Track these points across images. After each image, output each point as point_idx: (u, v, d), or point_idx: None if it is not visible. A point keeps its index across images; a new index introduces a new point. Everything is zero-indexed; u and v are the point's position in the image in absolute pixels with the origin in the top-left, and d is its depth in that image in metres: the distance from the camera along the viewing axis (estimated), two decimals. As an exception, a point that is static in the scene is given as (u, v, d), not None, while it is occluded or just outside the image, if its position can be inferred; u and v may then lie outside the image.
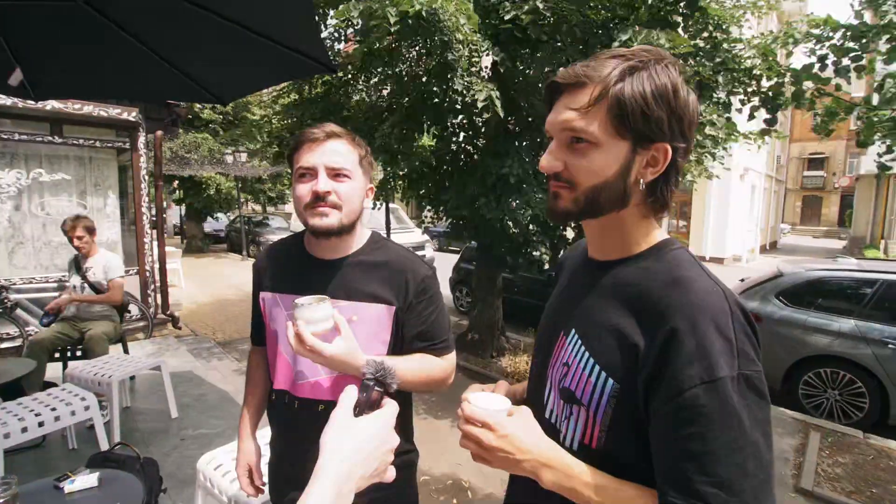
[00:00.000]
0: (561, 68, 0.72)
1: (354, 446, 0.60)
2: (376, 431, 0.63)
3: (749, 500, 0.57)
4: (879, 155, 4.07)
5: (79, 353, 3.55)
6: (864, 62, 3.76)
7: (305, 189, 1.06)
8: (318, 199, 1.05)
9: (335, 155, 1.07)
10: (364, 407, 0.65)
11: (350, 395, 0.65)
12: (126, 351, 3.82)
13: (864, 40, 3.53)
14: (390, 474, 0.66)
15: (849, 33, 3.59)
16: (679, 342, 0.61)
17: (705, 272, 0.68)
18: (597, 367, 0.69)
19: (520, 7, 3.28)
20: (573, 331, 0.76)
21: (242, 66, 2.10)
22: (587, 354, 0.71)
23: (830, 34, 3.73)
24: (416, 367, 1.09)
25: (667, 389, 0.61)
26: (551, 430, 0.74)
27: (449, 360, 1.16)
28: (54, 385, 3.16)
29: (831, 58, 3.75)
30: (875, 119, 3.70)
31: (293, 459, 1.15)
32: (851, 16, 3.82)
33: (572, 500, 0.69)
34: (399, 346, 1.14)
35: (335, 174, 1.07)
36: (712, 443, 0.58)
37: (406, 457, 1.21)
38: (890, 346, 3.84)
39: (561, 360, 0.77)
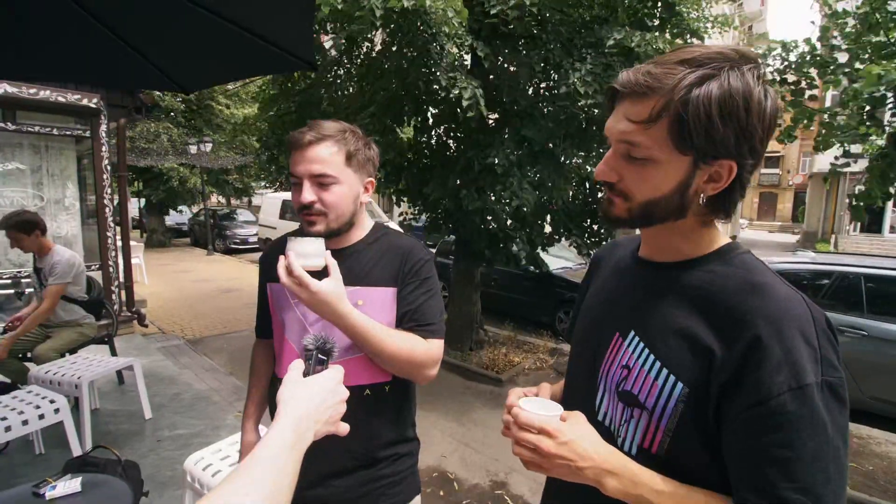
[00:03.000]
0: (622, 72, 0.67)
1: (308, 394, 0.69)
2: (325, 384, 0.72)
3: (829, 502, 0.57)
4: (836, 158, 4.31)
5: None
6: (816, 85, 3.98)
7: (295, 198, 1.09)
8: (305, 208, 1.07)
9: (318, 162, 1.06)
10: (311, 374, 0.74)
11: (298, 365, 0.75)
12: (114, 352, 3.72)
13: (824, 68, 3.74)
14: (343, 427, 0.74)
15: (808, 58, 3.79)
16: (765, 349, 0.59)
17: (779, 278, 0.67)
18: (664, 371, 0.67)
19: (505, 2, 3.28)
20: (632, 332, 0.73)
21: (213, 56, 1.95)
22: (652, 357, 0.69)
23: (790, 57, 3.93)
24: (398, 338, 1.06)
25: (750, 395, 0.60)
26: (606, 434, 0.72)
27: (434, 346, 1.12)
28: (15, 387, 2.98)
29: (791, 78, 3.95)
30: (834, 123, 3.90)
31: None
32: (815, 30, 4.04)
33: None
34: None
35: (320, 181, 1.06)
36: (799, 449, 0.57)
37: (411, 444, 1.23)
38: (845, 334, 4.08)
39: (619, 362, 0.74)
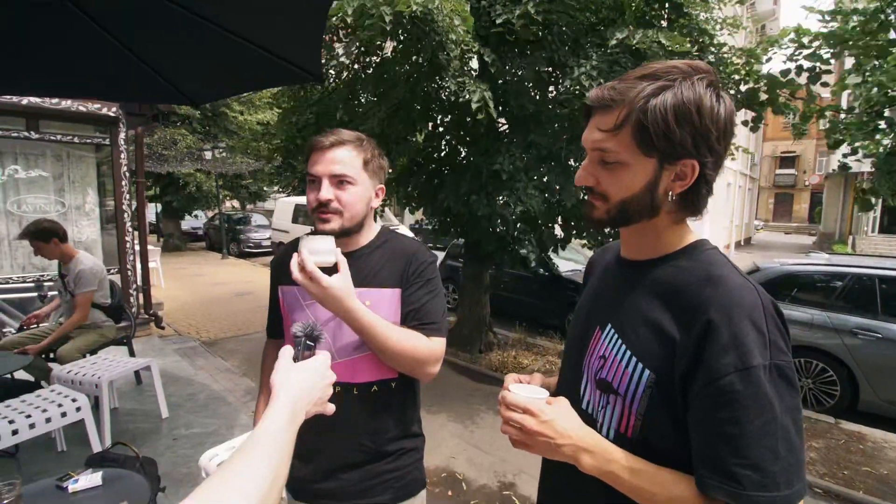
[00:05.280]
0: (592, 90, 0.75)
1: (298, 378, 0.73)
2: (314, 368, 0.77)
3: (780, 481, 0.61)
4: (844, 155, 4.28)
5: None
6: (831, 68, 3.96)
7: (312, 196, 1.14)
8: (322, 205, 1.12)
9: (338, 163, 1.12)
10: (300, 359, 0.79)
11: (288, 351, 0.79)
12: (132, 353, 3.85)
13: (837, 48, 3.71)
14: (330, 408, 0.79)
15: (825, 40, 3.76)
16: (715, 333, 0.64)
17: (737, 270, 0.72)
18: (633, 359, 0.73)
19: (511, 11, 3.33)
20: (609, 325, 0.79)
21: (223, 70, 2.02)
22: (623, 347, 0.75)
23: (805, 42, 3.91)
24: (402, 335, 1.10)
25: (703, 377, 0.64)
26: (588, 420, 0.77)
27: (436, 343, 1.15)
28: (39, 386, 3.09)
29: (806, 64, 3.92)
30: (844, 121, 3.88)
31: (308, 442, 1.16)
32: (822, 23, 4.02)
33: (612, 498, 0.72)
34: None
35: (338, 181, 1.12)
36: (746, 426, 0.61)
37: (416, 440, 1.28)
38: (859, 336, 4.04)
39: (597, 353, 0.80)
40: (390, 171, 4.90)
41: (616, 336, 0.77)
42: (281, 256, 1.31)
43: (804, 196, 34.13)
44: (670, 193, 0.72)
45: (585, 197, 0.80)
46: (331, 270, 1.01)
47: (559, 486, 0.90)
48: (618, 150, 0.71)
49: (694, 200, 0.74)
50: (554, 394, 0.83)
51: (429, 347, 1.13)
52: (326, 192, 1.11)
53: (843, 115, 4.03)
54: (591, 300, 0.91)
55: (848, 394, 4.14)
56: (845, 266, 4.55)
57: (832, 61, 4.00)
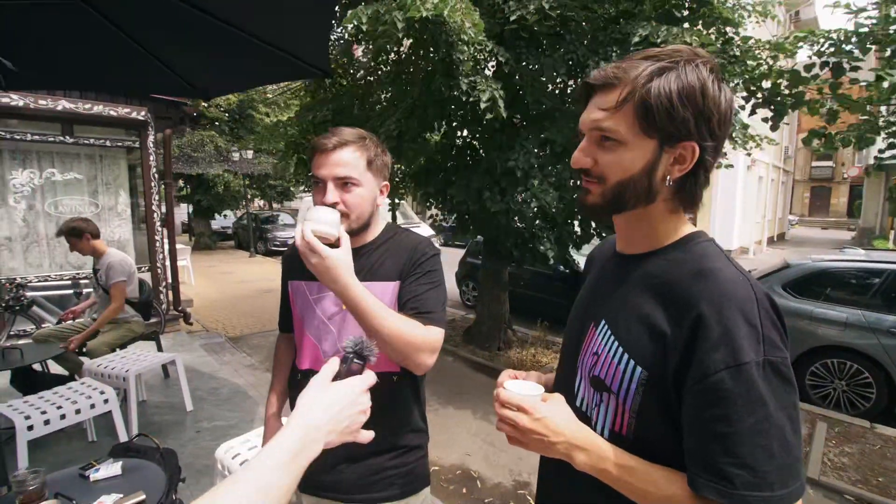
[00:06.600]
0: (594, 70, 0.74)
1: (325, 403, 0.66)
2: (347, 393, 0.69)
3: (774, 481, 0.59)
4: (881, 151, 4.06)
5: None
6: (860, 65, 3.79)
7: (318, 199, 1.15)
8: None
9: (342, 166, 1.12)
10: (343, 376, 0.71)
11: (332, 365, 0.72)
12: (160, 348, 3.99)
13: (864, 47, 3.54)
14: (365, 436, 0.71)
15: (853, 38, 3.60)
16: (705, 328, 0.62)
17: (732, 263, 0.70)
18: (625, 356, 0.71)
19: (525, 7, 3.30)
20: (602, 321, 0.78)
21: (235, 66, 2.10)
22: (616, 343, 0.73)
23: (832, 38, 3.75)
24: (397, 318, 1.07)
25: (694, 374, 0.63)
26: (582, 418, 0.76)
27: (432, 332, 1.12)
28: (72, 379, 3.24)
29: (832, 60, 3.77)
30: (880, 119, 3.70)
31: None
32: (849, 21, 3.86)
33: (606, 495, 0.71)
34: None
35: (343, 184, 1.13)
36: (737, 425, 0.59)
37: (421, 436, 1.29)
38: (898, 336, 3.84)
39: (591, 349, 0.79)
40: (411, 167, 4.98)
41: (609, 332, 0.76)
42: (291, 252, 1.33)
43: (842, 189, 32.56)
44: (668, 178, 0.71)
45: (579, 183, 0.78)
46: (333, 246, 1.01)
47: (556, 484, 0.89)
48: (618, 129, 0.70)
49: (691, 188, 0.72)
50: (550, 391, 0.82)
51: (423, 335, 1.10)
52: (331, 195, 1.12)
53: (883, 111, 3.83)
54: (587, 295, 0.90)
55: (884, 396, 3.94)
56: (883, 262, 4.33)
57: (862, 56, 3.82)
